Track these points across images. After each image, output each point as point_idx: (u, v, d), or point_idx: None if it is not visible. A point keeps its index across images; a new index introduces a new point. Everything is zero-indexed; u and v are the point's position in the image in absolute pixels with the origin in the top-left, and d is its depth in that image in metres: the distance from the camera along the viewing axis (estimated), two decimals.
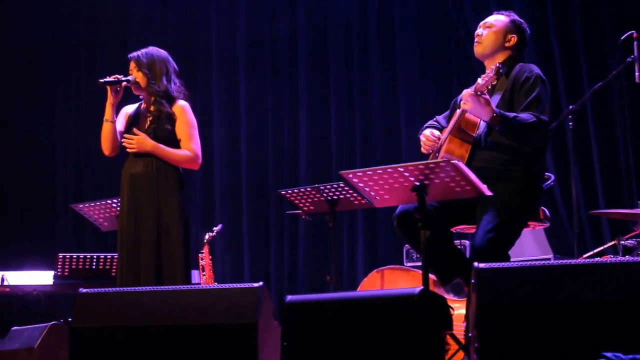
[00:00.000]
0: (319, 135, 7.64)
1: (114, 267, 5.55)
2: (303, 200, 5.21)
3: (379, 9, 7.58)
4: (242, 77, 7.95)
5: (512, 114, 3.87)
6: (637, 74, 4.99)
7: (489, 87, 3.87)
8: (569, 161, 5.28)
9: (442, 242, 4.07)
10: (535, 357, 2.97)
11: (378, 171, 3.65)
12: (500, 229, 3.86)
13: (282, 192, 5.31)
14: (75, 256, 5.69)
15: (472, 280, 3.13)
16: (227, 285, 3.74)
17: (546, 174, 4.40)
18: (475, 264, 3.14)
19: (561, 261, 3.14)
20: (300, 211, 5.32)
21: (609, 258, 4.99)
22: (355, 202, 5.14)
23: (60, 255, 5.69)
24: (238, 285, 3.56)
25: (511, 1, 6.74)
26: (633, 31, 5.07)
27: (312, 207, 5.25)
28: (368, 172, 3.68)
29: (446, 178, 3.60)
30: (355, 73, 7.62)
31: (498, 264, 3.15)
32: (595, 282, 2.99)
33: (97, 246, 7.45)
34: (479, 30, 4.23)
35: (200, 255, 6.27)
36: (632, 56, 5.03)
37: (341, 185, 5.03)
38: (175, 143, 4.68)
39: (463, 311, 4.12)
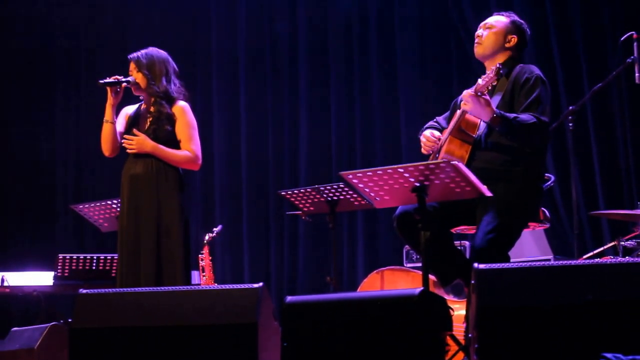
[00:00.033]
0: (319, 136, 7.64)
1: (114, 267, 5.55)
2: (303, 201, 5.21)
3: (379, 9, 7.58)
4: (242, 77, 7.95)
5: (512, 115, 3.87)
6: (637, 74, 4.99)
7: (489, 87, 3.87)
8: (569, 162, 5.27)
9: (442, 243, 4.07)
10: (535, 358, 2.97)
11: (378, 172, 3.65)
12: (500, 230, 3.86)
13: (282, 193, 5.30)
14: (75, 257, 5.69)
15: (472, 281, 3.13)
16: (227, 286, 3.74)
17: (546, 174, 4.40)
18: (475, 264, 3.13)
19: (561, 262, 3.13)
20: (300, 212, 5.32)
21: (609, 259, 4.98)
22: (355, 202, 5.14)
23: (60, 256, 5.69)
24: (238, 286, 3.56)
25: (511, 1, 6.74)
26: (633, 32, 5.07)
27: (312, 208, 5.25)
28: (368, 173, 3.68)
29: (446, 179, 3.60)
30: (355, 73, 7.62)
31: (498, 264, 3.15)
32: (595, 283, 2.99)
33: (97, 247, 7.46)
34: (479, 31, 4.22)
35: (200, 256, 6.26)
36: (632, 57, 5.02)
37: (341, 186, 5.03)
38: (175, 144, 4.68)
39: (463, 312, 4.12)
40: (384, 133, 7.44)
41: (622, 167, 6.37)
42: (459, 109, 4.05)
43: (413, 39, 7.42)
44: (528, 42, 4.24)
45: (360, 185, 3.76)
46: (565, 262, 3.13)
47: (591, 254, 5.44)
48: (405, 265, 6.17)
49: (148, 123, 4.70)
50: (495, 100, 4.00)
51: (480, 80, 3.86)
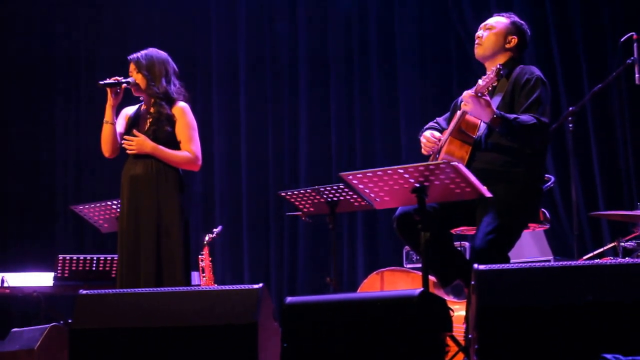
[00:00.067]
0: (319, 136, 7.64)
1: (114, 268, 5.55)
2: (303, 202, 5.20)
3: (378, 9, 7.58)
4: (242, 78, 7.95)
5: (512, 116, 3.87)
6: (637, 75, 4.99)
7: (490, 88, 3.87)
8: (569, 163, 5.27)
9: (442, 243, 4.07)
10: (535, 359, 2.97)
11: (378, 173, 3.65)
12: (500, 231, 3.86)
13: (282, 194, 5.30)
14: (75, 258, 5.69)
15: (472, 282, 3.13)
16: (227, 287, 3.74)
17: (546, 175, 4.40)
18: (475, 265, 3.13)
19: (561, 263, 3.13)
20: (300, 212, 5.32)
21: (608, 260, 4.98)
22: (355, 203, 5.13)
23: (60, 256, 5.69)
24: (238, 287, 3.55)
25: (511, 1, 6.74)
26: (633, 33, 5.07)
27: (312, 209, 5.24)
28: (368, 174, 3.68)
29: (446, 180, 3.60)
30: (355, 73, 7.62)
31: (498, 265, 3.15)
32: (595, 284, 2.99)
33: (97, 248, 7.46)
34: (479, 32, 4.22)
35: (200, 256, 6.27)
36: (632, 58, 5.02)
37: (341, 186, 5.03)
38: (175, 144, 4.68)
39: (463, 313, 4.12)
40: (384, 133, 7.44)
41: (622, 168, 6.37)
42: (459, 109, 4.05)
43: (413, 39, 7.42)
44: (528, 43, 4.24)
45: (360, 186, 3.76)
46: (565, 262, 3.13)
47: (591, 254, 5.44)
48: (405, 266, 6.17)
49: (148, 124, 4.70)
50: (495, 101, 4.00)
51: (480, 81, 3.86)
